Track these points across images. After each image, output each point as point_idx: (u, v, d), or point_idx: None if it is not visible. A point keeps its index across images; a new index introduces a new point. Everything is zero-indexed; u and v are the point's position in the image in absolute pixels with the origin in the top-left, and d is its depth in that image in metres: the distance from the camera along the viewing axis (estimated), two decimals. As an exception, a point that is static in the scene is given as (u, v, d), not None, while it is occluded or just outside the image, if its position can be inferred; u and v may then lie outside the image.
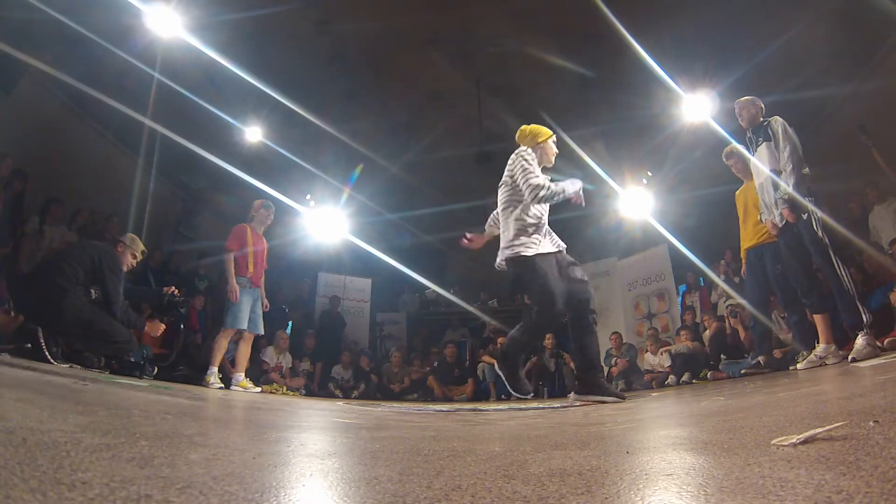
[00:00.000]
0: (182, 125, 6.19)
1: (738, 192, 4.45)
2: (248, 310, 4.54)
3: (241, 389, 4.39)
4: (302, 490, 0.71)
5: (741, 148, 4.22)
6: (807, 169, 3.35)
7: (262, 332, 4.78)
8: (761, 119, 3.66)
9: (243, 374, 4.61)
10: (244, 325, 4.52)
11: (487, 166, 7.28)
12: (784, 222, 3.46)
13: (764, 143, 3.56)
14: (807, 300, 3.60)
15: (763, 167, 3.55)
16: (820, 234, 3.26)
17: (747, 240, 4.29)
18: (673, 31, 5.62)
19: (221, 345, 4.51)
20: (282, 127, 6.82)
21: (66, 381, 2.13)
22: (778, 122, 3.48)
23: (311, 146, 7.37)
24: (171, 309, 4.33)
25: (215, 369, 4.40)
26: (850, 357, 3.08)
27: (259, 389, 4.68)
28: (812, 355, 3.48)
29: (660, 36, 5.48)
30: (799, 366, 3.58)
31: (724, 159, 4.41)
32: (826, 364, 3.36)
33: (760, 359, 4.40)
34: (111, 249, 3.83)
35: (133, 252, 4.02)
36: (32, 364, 2.86)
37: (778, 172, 3.44)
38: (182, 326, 5.36)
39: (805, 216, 3.31)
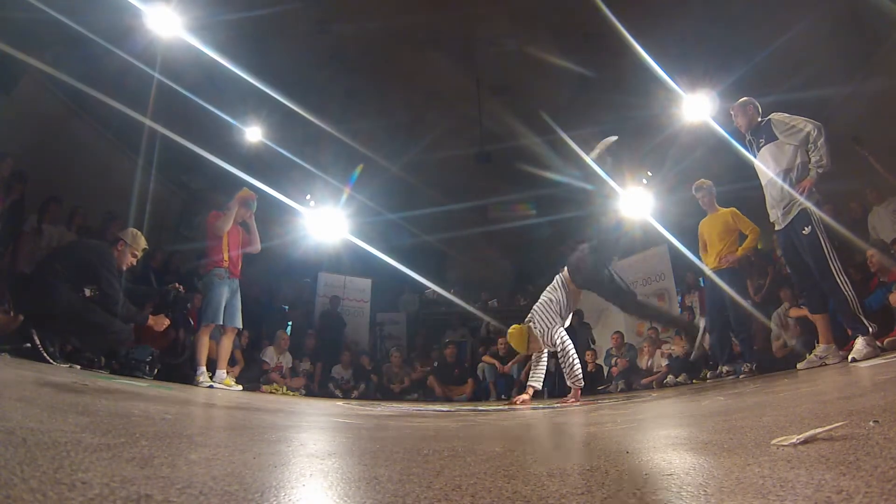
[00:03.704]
0: (182, 125, 6.18)
1: (701, 223, 4.81)
2: (223, 302, 4.32)
3: (224, 388, 4.24)
4: (302, 490, 0.70)
5: (709, 183, 4.72)
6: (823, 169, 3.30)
7: (239, 325, 4.51)
8: (759, 119, 3.64)
9: (225, 372, 4.47)
10: (220, 320, 4.30)
11: (487, 166, 7.28)
12: (788, 222, 3.40)
13: (767, 144, 3.51)
14: (806, 300, 3.59)
15: (766, 169, 3.51)
16: (823, 243, 3.20)
17: (711, 264, 4.66)
18: (673, 31, 5.62)
19: (204, 341, 4.33)
20: (282, 127, 6.82)
21: (65, 381, 2.13)
22: (793, 121, 3.40)
23: (311, 146, 7.37)
24: (177, 305, 4.30)
25: (203, 368, 4.24)
26: (850, 357, 3.08)
27: (240, 388, 4.52)
28: (812, 355, 3.48)
29: (660, 36, 5.47)
30: (799, 365, 3.58)
31: (694, 192, 4.78)
32: (826, 364, 3.36)
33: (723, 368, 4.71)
34: (106, 248, 3.80)
35: (133, 251, 3.97)
36: (32, 364, 2.86)
37: (786, 172, 3.39)
38: (192, 324, 5.35)
39: (808, 229, 3.25)
